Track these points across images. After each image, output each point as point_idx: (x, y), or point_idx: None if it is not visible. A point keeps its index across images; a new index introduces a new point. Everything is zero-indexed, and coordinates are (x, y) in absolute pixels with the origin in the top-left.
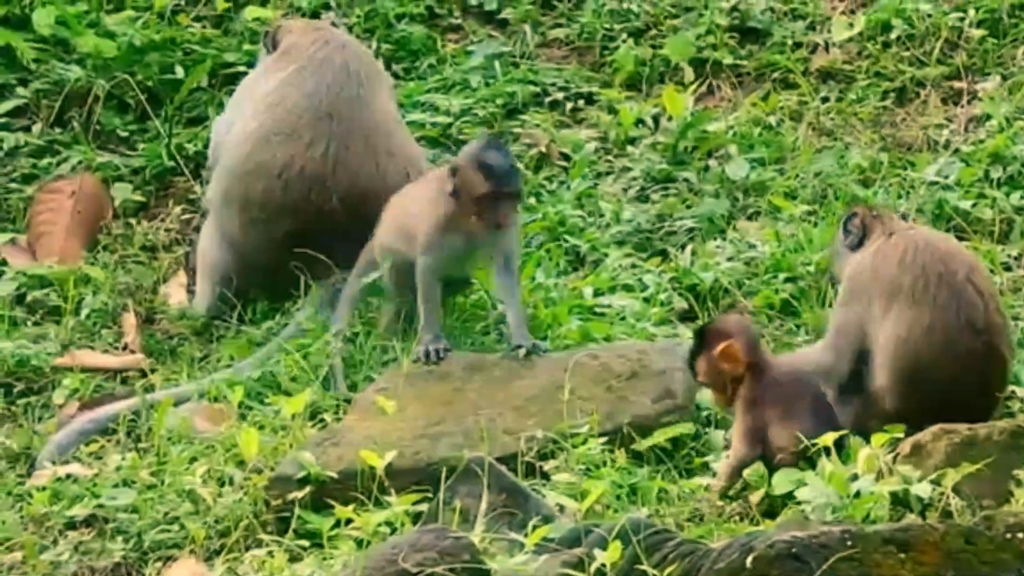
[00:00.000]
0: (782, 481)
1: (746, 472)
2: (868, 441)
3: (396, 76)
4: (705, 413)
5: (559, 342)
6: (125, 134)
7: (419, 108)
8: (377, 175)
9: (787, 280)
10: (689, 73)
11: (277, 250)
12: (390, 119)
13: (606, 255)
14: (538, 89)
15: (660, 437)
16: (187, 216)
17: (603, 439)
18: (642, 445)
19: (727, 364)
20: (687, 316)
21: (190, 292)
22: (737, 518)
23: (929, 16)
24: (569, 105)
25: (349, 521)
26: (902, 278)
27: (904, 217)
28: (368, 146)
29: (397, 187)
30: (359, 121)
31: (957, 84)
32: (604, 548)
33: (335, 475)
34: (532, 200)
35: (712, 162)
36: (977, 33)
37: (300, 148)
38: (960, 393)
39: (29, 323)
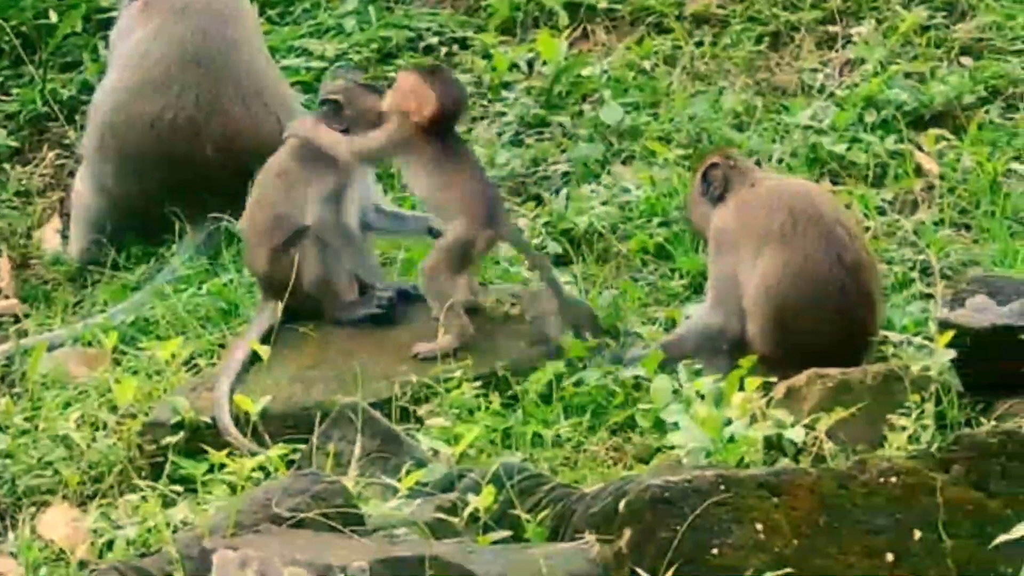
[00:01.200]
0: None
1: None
2: (742, 386)
3: (271, 21)
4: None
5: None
6: None
7: (293, 53)
8: (249, 120)
9: (661, 224)
10: (564, 17)
11: (151, 199)
12: (260, 59)
13: None
14: (413, 34)
15: (537, 381)
16: (61, 162)
17: (477, 383)
18: (517, 390)
19: None
20: (561, 260)
21: (64, 237)
22: (611, 462)
23: None
24: (444, 50)
25: (223, 466)
26: (770, 222)
27: (759, 164)
28: (238, 91)
29: (270, 133)
30: (228, 65)
31: (831, 28)
32: (477, 493)
33: (209, 420)
34: None
35: (586, 107)
36: None
37: (170, 98)
38: (832, 335)
39: None
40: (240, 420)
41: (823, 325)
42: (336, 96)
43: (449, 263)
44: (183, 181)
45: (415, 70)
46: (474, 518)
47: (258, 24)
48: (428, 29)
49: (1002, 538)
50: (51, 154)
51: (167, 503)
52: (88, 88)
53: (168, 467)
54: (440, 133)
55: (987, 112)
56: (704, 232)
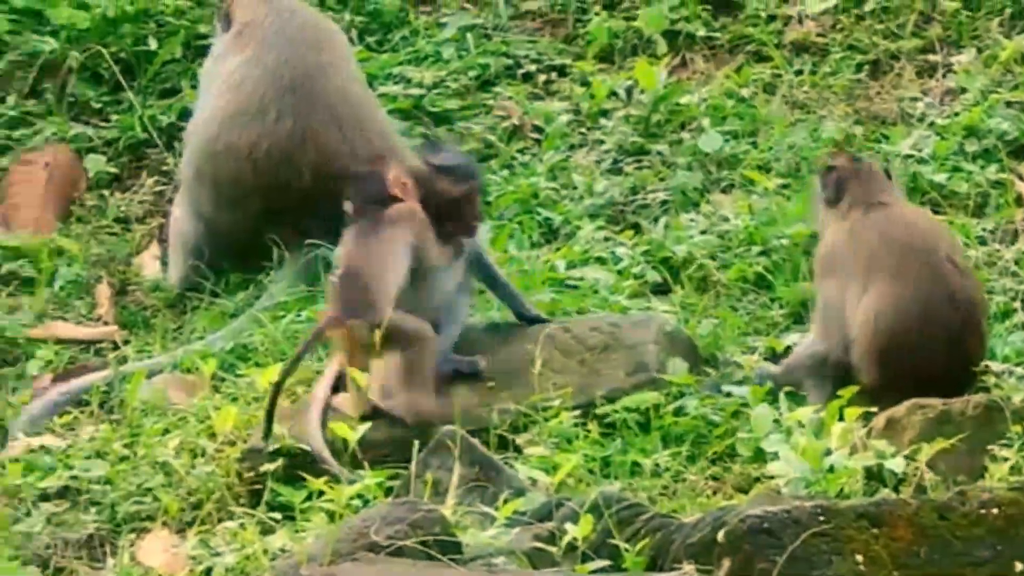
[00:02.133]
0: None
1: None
2: (842, 416)
3: (369, 48)
4: (677, 388)
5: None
6: (99, 105)
7: (391, 80)
8: (345, 145)
9: (760, 253)
10: (662, 45)
11: (249, 226)
12: (354, 84)
13: (579, 228)
14: (511, 61)
15: (626, 404)
16: (160, 188)
17: (575, 412)
18: (609, 410)
19: None
20: (660, 289)
21: (163, 264)
22: (710, 492)
23: None
24: (542, 77)
25: (321, 494)
26: (883, 254)
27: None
28: (334, 117)
29: (366, 157)
30: (323, 92)
31: (932, 57)
32: (575, 522)
33: (307, 447)
34: (505, 172)
35: (685, 135)
36: (951, 5)
37: (267, 127)
38: (938, 369)
39: (3, 295)
40: (338, 447)
41: (930, 360)
42: None
43: None
44: (280, 208)
45: None
46: (572, 547)
47: (350, 50)
48: (526, 56)
49: None
50: (150, 180)
51: (265, 530)
52: (187, 115)
53: (267, 494)
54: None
55: None
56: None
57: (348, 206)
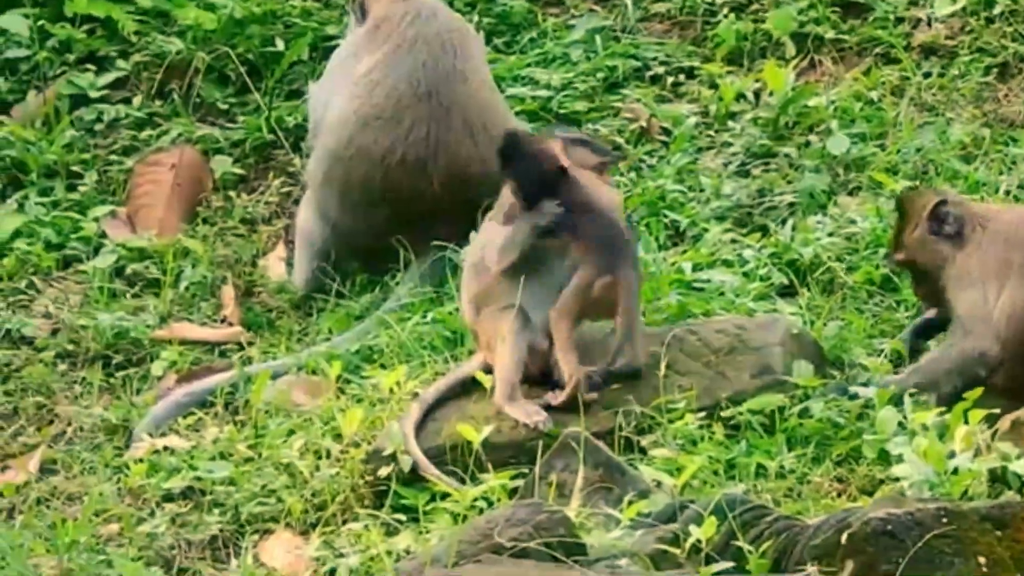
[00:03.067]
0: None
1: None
2: (967, 418)
3: (496, 50)
4: (802, 390)
5: (657, 316)
6: (225, 107)
7: (519, 82)
8: (476, 154)
9: (887, 256)
10: (791, 48)
11: (376, 229)
12: (486, 89)
13: (706, 230)
14: (639, 63)
15: (751, 406)
16: (287, 189)
17: (700, 414)
18: (734, 412)
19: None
20: (786, 291)
21: (289, 265)
22: (834, 494)
23: None
24: (670, 79)
25: (445, 495)
26: (1009, 258)
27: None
28: (466, 124)
29: (495, 165)
30: (457, 98)
31: None
32: (700, 524)
33: (431, 449)
34: (632, 175)
35: (813, 137)
36: None
37: (401, 133)
38: None
39: (128, 295)
40: (463, 449)
41: None
42: None
43: (572, 310)
44: (409, 214)
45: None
46: (696, 549)
47: (484, 53)
48: (655, 59)
49: None
50: (276, 182)
51: (389, 532)
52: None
53: (391, 496)
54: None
55: None
56: (936, 272)
57: (512, 185)
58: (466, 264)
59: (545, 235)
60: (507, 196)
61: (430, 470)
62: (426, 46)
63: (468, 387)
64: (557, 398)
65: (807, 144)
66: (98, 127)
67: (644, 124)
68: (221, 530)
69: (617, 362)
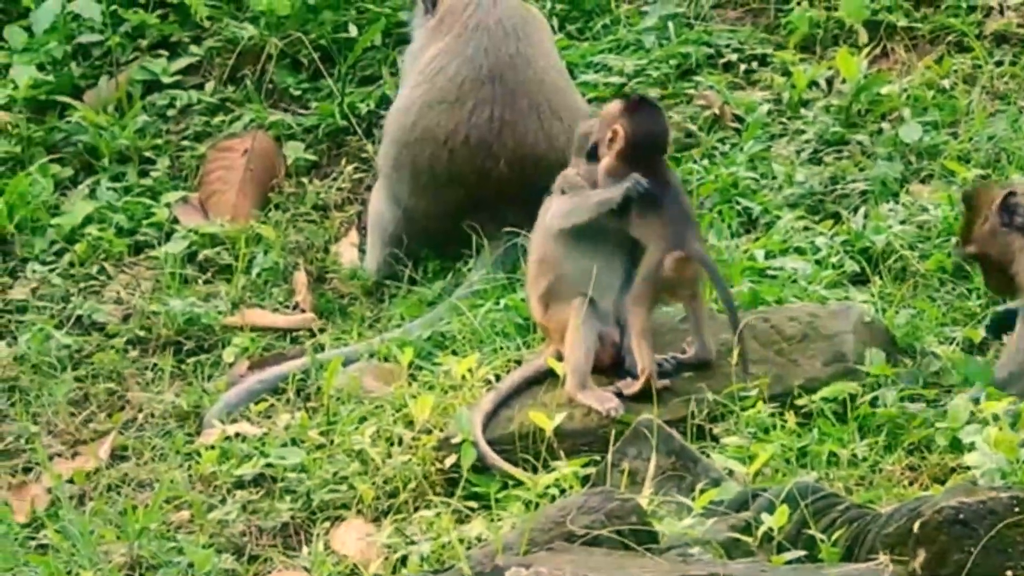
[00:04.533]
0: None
1: None
2: None
3: (569, 36)
4: (874, 378)
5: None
6: (298, 92)
7: (592, 69)
8: (543, 135)
9: None
10: (863, 35)
11: (447, 214)
12: (552, 72)
13: (778, 217)
14: (712, 50)
15: (823, 395)
16: (359, 175)
17: (772, 402)
18: (806, 400)
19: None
20: (859, 279)
21: (361, 252)
22: (906, 483)
23: None
24: (743, 67)
25: (518, 483)
26: None
27: None
28: (532, 106)
29: (563, 147)
30: (521, 80)
31: None
32: (772, 512)
33: (503, 437)
34: (705, 162)
35: (885, 125)
36: None
37: (464, 115)
38: None
39: (200, 281)
40: (535, 437)
41: None
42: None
43: (646, 295)
44: (477, 197)
45: (620, 100)
46: (768, 538)
47: (551, 36)
48: (727, 46)
49: None
50: (349, 168)
51: (461, 520)
52: (386, 102)
53: (462, 484)
54: (638, 166)
55: None
56: (1008, 262)
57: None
58: (530, 260)
59: (622, 209)
60: (567, 180)
61: (496, 461)
62: (487, 32)
63: (542, 377)
64: (630, 387)
65: (879, 132)
66: (170, 112)
67: (717, 111)
68: (292, 517)
69: (689, 352)
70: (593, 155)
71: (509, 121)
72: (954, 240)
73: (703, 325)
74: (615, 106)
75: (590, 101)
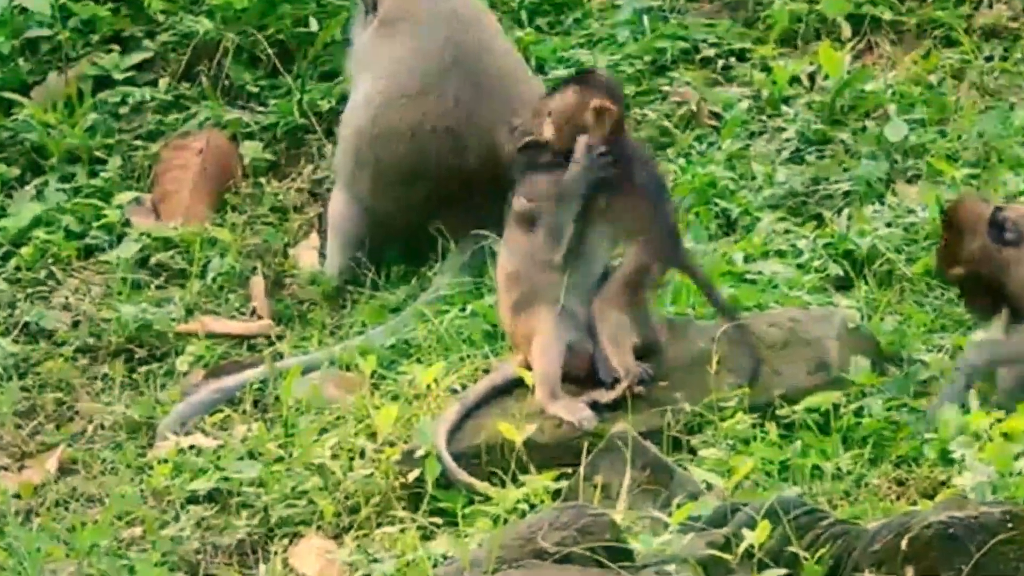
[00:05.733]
0: None
1: None
2: None
3: (539, 30)
4: (859, 387)
5: (708, 310)
6: (255, 89)
7: (563, 64)
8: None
9: None
10: (846, 29)
11: (412, 213)
12: (512, 60)
13: (758, 219)
14: (688, 45)
15: (806, 405)
16: (319, 175)
17: (753, 413)
18: (788, 411)
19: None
20: (842, 284)
21: (321, 255)
22: (893, 497)
23: None
24: (720, 62)
25: (486, 498)
26: None
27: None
28: (499, 94)
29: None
30: (484, 68)
31: None
32: (752, 528)
33: (470, 449)
34: (681, 161)
35: (870, 123)
36: None
37: (429, 105)
38: None
39: (152, 286)
40: (503, 449)
41: None
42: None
43: (625, 299)
44: (445, 194)
45: (572, 84)
46: (749, 555)
47: (499, 27)
48: (704, 40)
49: None
50: (308, 168)
51: (426, 536)
52: (347, 100)
53: (427, 499)
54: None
55: None
56: (1000, 279)
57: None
58: (500, 273)
59: (596, 191)
60: (526, 197)
61: (462, 475)
62: (445, 22)
63: (510, 386)
64: (606, 395)
65: (864, 130)
66: (122, 110)
67: (694, 108)
68: (249, 534)
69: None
70: (534, 160)
71: (477, 110)
72: (935, 263)
73: (651, 312)
74: (570, 92)
75: None
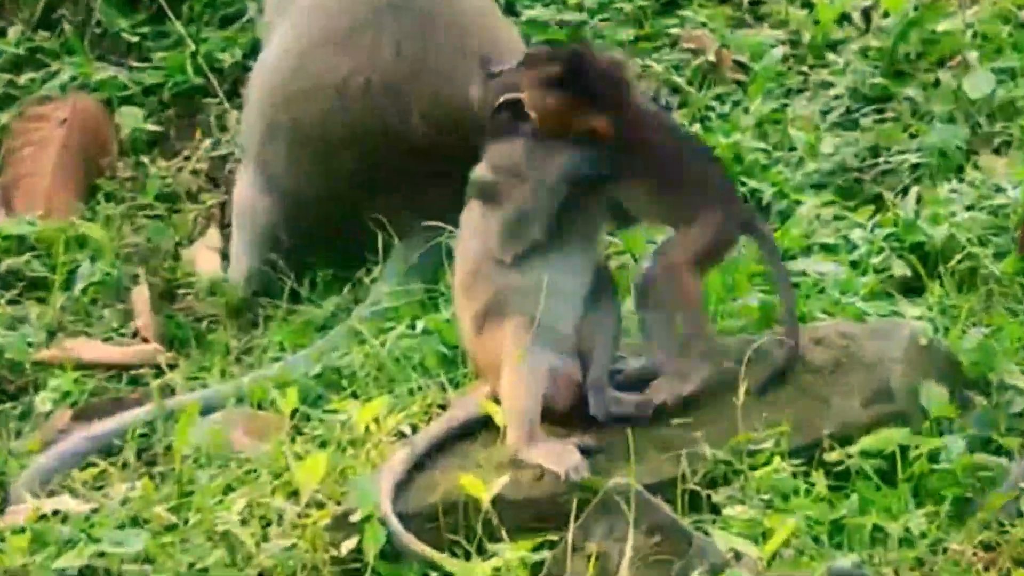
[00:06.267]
0: None
1: None
2: None
3: None
4: (935, 420)
5: (733, 323)
6: (134, 39)
7: (541, 1)
8: (471, 77)
9: None
10: None
11: (342, 201)
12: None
13: (798, 203)
14: None
15: (863, 446)
16: (221, 152)
17: (795, 458)
18: (840, 455)
19: None
20: (910, 287)
21: (225, 257)
22: (980, 566)
23: None
24: None
25: (444, 573)
26: None
27: None
28: (453, 37)
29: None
30: (436, 5)
31: None
32: None
33: (423, 509)
34: (698, 127)
35: (944, 74)
36: None
37: (362, 54)
38: None
39: (3, 302)
40: (467, 509)
41: None
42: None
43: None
44: (385, 171)
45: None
46: None
47: None
48: None
49: None
50: (206, 143)
51: None
52: (257, 52)
53: (368, 575)
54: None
55: None
56: None
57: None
58: (457, 274)
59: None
60: (492, 167)
61: (411, 545)
62: None
63: (474, 427)
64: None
65: (936, 84)
66: None
67: (712, 58)
68: None
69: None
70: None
71: (423, 58)
72: None
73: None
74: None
75: (540, 44)
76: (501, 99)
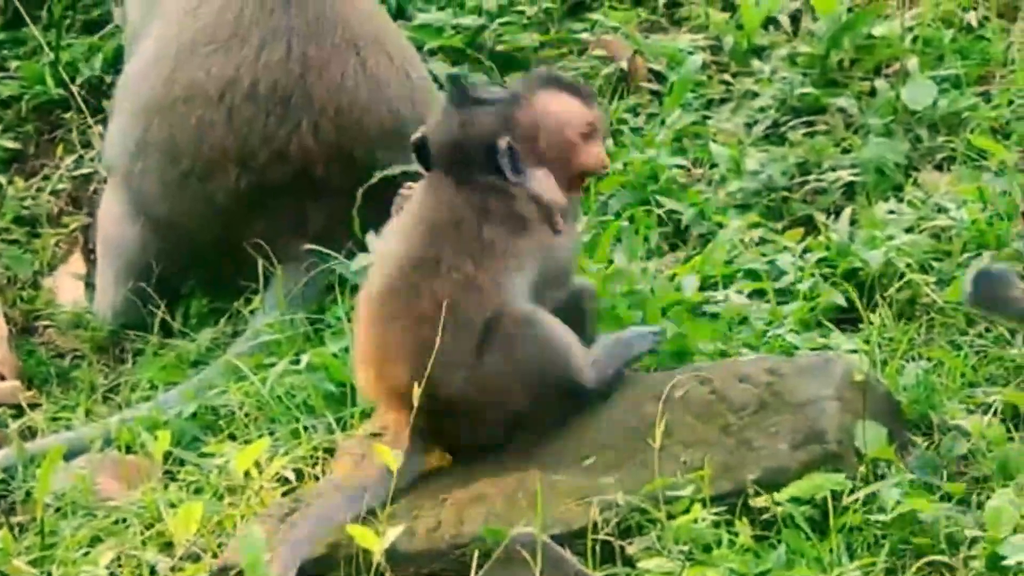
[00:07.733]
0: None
1: None
2: None
3: None
4: (871, 463)
5: (648, 358)
6: None
7: (435, 4)
8: (368, 82)
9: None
10: None
11: (219, 221)
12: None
13: (720, 225)
14: None
15: (792, 493)
16: (84, 170)
17: (717, 505)
18: (767, 501)
19: None
20: (844, 318)
21: (89, 286)
22: None
23: None
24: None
25: None
26: None
27: None
28: (348, 38)
29: (400, 101)
30: (329, 5)
31: None
32: None
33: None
34: (610, 142)
35: (880, 83)
36: None
37: (247, 55)
38: None
39: None
40: (358, 562)
41: None
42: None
43: None
44: (267, 188)
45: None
46: None
47: None
48: None
49: None
50: (68, 161)
51: None
52: (121, 61)
53: None
54: None
55: None
56: None
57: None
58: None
59: None
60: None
61: None
62: None
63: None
64: None
65: (872, 94)
66: None
67: (624, 66)
68: None
69: None
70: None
71: (315, 60)
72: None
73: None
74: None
75: (434, 53)
76: (504, 141)
